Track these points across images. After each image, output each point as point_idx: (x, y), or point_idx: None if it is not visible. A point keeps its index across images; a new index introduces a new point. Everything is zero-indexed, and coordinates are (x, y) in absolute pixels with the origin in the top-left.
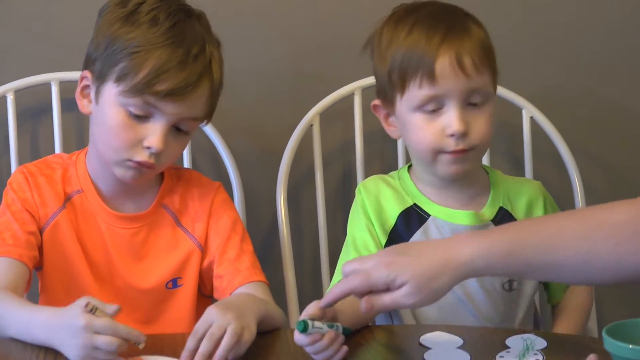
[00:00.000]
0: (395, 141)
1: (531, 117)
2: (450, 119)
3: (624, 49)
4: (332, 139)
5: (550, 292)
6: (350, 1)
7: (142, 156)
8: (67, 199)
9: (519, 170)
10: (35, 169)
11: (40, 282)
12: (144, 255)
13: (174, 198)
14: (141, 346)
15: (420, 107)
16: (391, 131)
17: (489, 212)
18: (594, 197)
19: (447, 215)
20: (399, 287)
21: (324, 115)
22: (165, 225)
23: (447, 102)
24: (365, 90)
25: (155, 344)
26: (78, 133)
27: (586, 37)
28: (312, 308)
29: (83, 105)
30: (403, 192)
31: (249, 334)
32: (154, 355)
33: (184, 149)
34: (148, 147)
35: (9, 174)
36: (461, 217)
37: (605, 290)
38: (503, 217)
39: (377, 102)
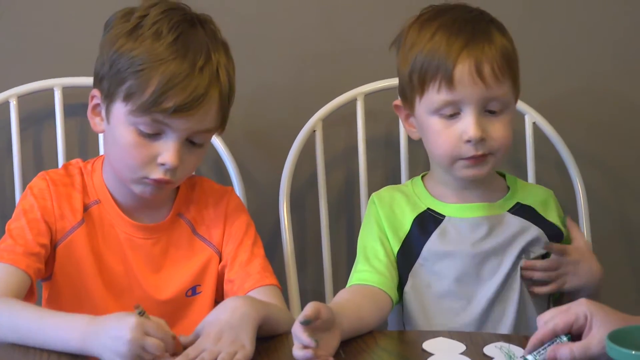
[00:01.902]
0: (397, 147)
1: (534, 123)
2: (467, 125)
3: (625, 53)
4: (335, 145)
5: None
6: (352, 10)
7: (158, 173)
8: (85, 210)
9: (522, 175)
10: (57, 177)
11: (46, 292)
12: (162, 266)
13: (190, 207)
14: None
15: (437, 111)
16: (411, 132)
17: (505, 204)
18: (596, 202)
19: (463, 211)
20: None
21: (326, 121)
22: (183, 234)
23: (465, 108)
24: (367, 96)
25: None
26: (81, 139)
27: (587, 44)
28: (309, 309)
29: (95, 124)
30: (416, 198)
31: (243, 355)
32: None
33: (200, 161)
34: (162, 164)
35: (12, 179)
36: (476, 209)
37: (612, 295)
38: (520, 209)
39: (398, 102)
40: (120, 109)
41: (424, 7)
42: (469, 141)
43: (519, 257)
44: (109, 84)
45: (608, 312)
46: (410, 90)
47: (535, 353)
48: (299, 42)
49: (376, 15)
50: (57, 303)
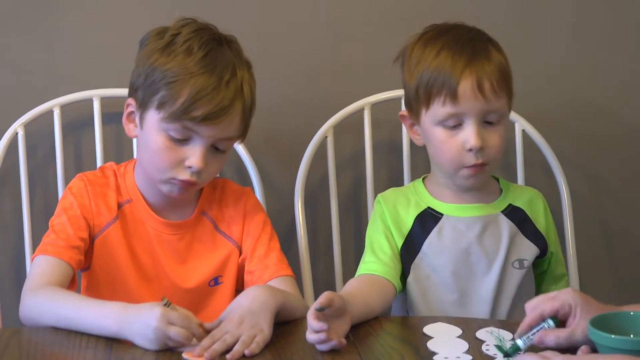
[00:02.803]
0: (401, 152)
1: (523, 130)
2: (469, 135)
3: (607, 68)
4: (344, 150)
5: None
6: (360, 28)
7: (185, 175)
8: (119, 207)
9: (512, 178)
10: (93, 177)
11: (84, 281)
12: (187, 259)
13: (212, 206)
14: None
15: (441, 122)
16: (415, 139)
17: (498, 205)
18: (580, 203)
19: (460, 210)
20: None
21: (337, 128)
22: (206, 231)
23: (466, 119)
24: (374, 106)
25: None
26: (117, 145)
27: (573, 58)
28: (324, 298)
29: (129, 129)
30: (417, 197)
31: (262, 338)
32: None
33: (222, 166)
34: (189, 167)
35: (56, 181)
36: (472, 209)
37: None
38: (512, 210)
39: (404, 112)
40: (153, 116)
41: (424, 24)
42: (470, 150)
43: (509, 261)
44: (144, 93)
45: (592, 301)
46: (417, 102)
47: (524, 337)
48: (312, 58)
49: (382, 32)
50: (95, 291)
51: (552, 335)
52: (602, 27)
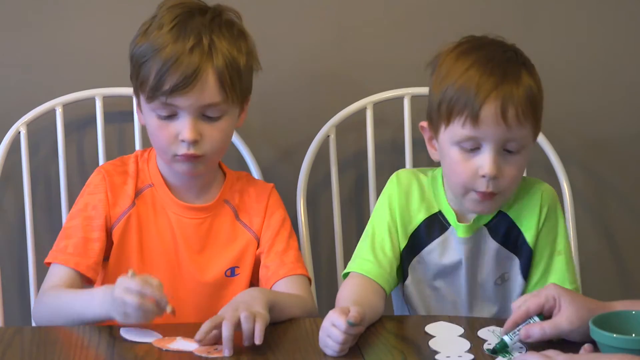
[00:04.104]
0: (403, 151)
1: None
2: (485, 161)
3: (613, 64)
4: (347, 149)
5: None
6: (364, 28)
7: (183, 149)
8: (138, 194)
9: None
10: (111, 167)
11: (102, 273)
12: (206, 245)
13: (235, 195)
14: (168, 309)
15: (459, 143)
16: (432, 153)
17: (486, 217)
18: (581, 202)
19: (462, 230)
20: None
21: (339, 127)
22: (227, 218)
23: (485, 144)
24: (376, 105)
25: (186, 331)
26: (119, 143)
27: (577, 55)
28: (357, 315)
29: (140, 118)
30: (432, 195)
31: (261, 318)
32: (186, 338)
33: (227, 133)
34: (183, 140)
35: (58, 180)
36: (462, 229)
37: (596, 290)
38: (497, 221)
39: (424, 124)
40: (142, 100)
41: (428, 23)
42: (483, 176)
43: (492, 277)
44: (133, 81)
45: (574, 294)
46: (437, 117)
47: (510, 334)
48: (314, 56)
49: (385, 31)
50: (108, 283)
51: (537, 327)
52: (606, 27)
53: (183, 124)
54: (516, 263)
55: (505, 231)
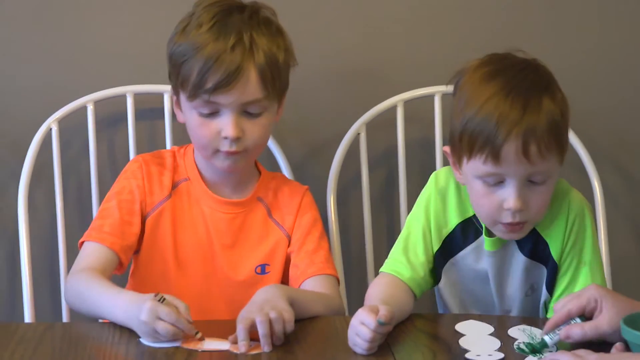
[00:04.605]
0: (433, 150)
1: None
2: (509, 195)
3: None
4: (377, 147)
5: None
6: (394, 26)
7: (225, 146)
8: (174, 186)
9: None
10: (149, 157)
11: (133, 265)
12: (237, 241)
13: (268, 193)
14: (197, 336)
15: (481, 177)
16: (458, 177)
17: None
18: (613, 202)
19: (490, 243)
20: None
21: (369, 125)
22: (259, 215)
23: (508, 179)
24: (406, 103)
25: (222, 328)
26: (150, 140)
27: (608, 54)
28: (387, 314)
29: (179, 116)
30: (467, 197)
31: (288, 313)
32: (213, 338)
33: (267, 128)
34: (225, 137)
35: (89, 176)
36: (489, 243)
37: (626, 290)
38: (528, 234)
39: (447, 149)
40: (183, 98)
41: (457, 21)
42: (508, 209)
43: (522, 289)
44: (173, 79)
45: (617, 296)
46: (459, 148)
47: (551, 334)
48: (345, 54)
49: (415, 29)
50: (140, 275)
51: (578, 328)
52: (638, 25)
53: (226, 121)
54: (544, 273)
55: (532, 244)
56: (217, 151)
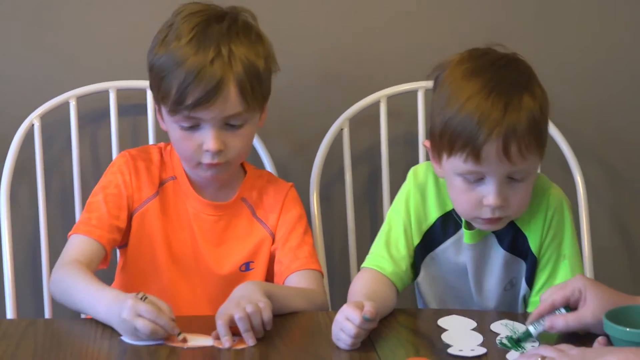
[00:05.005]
0: (417, 145)
1: None
2: (489, 192)
3: (628, 59)
4: (360, 142)
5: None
6: (377, 20)
7: (207, 158)
8: (161, 184)
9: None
10: (136, 153)
11: (121, 260)
12: (223, 241)
13: (253, 193)
14: (180, 337)
15: (462, 175)
16: (437, 170)
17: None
18: (596, 195)
19: (465, 234)
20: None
21: (353, 120)
22: (243, 215)
23: (488, 177)
24: (389, 98)
25: (205, 324)
26: (133, 136)
27: (592, 50)
28: (372, 310)
29: (162, 124)
30: (445, 191)
31: (264, 303)
32: (196, 335)
33: (249, 138)
34: (207, 150)
35: (71, 172)
36: (468, 236)
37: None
38: (506, 227)
39: (427, 143)
40: (164, 110)
41: (441, 17)
42: (488, 206)
43: (501, 284)
44: (154, 90)
45: (602, 287)
46: (440, 144)
47: (535, 323)
48: (329, 50)
49: (398, 24)
50: (129, 271)
51: (561, 319)
52: (623, 19)
53: (207, 135)
54: (523, 267)
55: (512, 238)
56: (199, 163)
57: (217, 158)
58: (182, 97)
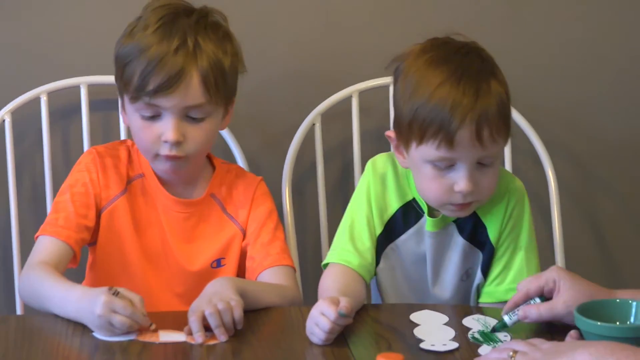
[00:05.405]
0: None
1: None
2: (460, 178)
3: (599, 55)
4: (333, 137)
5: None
6: (350, 14)
7: (165, 150)
8: (129, 182)
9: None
10: (103, 150)
11: (90, 258)
12: (193, 238)
13: (222, 189)
14: (152, 327)
15: (432, 162)
16: (401, 160)
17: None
18: (567, 190)
19: (430, 224)
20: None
21: (325, 115)
22: (213, 212)
23: (459, 163)
24: (362, 93)
25: (177, 320)
26: (105, 131)
27: (559, 40)
28: (348, 306)
29: (124, 119)
30: (406, 182)
31: (235, 302)
32: (169, 330)
33: (210, 134)
34: (166, 141)
35: (43, 168)
36: (430, 223)
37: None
38: (467, 217)
39: (391, 134)
40: (126, 100)
41: (414, 11)
42: (459, 192)
43: (458, 273)
44: (117, 80)
45: (577, 278)
46: (408, 133)
47: (510, 313)
48: (301, 44)
49: (372, 19)
50: (99, 268)
51: (534, 308)
52: (595, 17)
53: (166, 125)
54: (480, 258)
55: (472, 227)
56: (157, 155)
57: (175, 150)
58: (144, 83)
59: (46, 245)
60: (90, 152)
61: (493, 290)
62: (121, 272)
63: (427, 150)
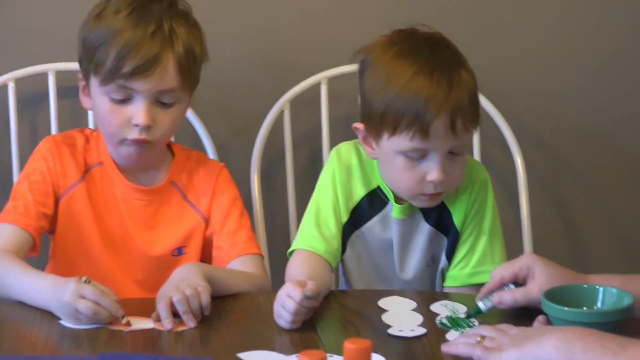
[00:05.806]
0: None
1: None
2: (432, 168)
3: (568, 36)
4: (301, 124)
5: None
6: (319, 2)
7: (134, 134)
8: (87, 170)
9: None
10: (60, 138)
11: (51, 246)
12: (153, 225)
13: (183, 176)
14: (123, 321)
15: (405, 153)
16: (368, 152)
17: None
18: (535, 176)
19: (398, 211)
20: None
21: (294, 102)
22: (174, 199)
23: (432, 153)
24: (331, 80)
25: (144, 307)
26: (73, 119)
27: (528, 27)
28: (314, 288)
29: (85, 103)
30: (370, 170)
31: (202, 287)
32: (136, 317)
33: (177, 120)
34: (136, 125)
35: (10, 156)
36: (397, 210)
37: None
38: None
39: (359, 126)
40: (94, 82)
41: (382, 1)
42: (431, 182)
43: (424, 259)
44: (84, 62)
45: (550, 264)
46: (380, 125)
47: (484, 299)
48: (270, 31)
49: (340, 5)
50: (60, 256)
51: (509, 294)
52: (566, 5)
53: (137, 109)
54: (445, 243)
55: (437, 213)
56: (124, 139)
57: (144, 134)
58: (119, 65)
59: (6, 232)
60: (47, 140)
61: (457, 274)
62: (82, 259)
63: (400, 142)
